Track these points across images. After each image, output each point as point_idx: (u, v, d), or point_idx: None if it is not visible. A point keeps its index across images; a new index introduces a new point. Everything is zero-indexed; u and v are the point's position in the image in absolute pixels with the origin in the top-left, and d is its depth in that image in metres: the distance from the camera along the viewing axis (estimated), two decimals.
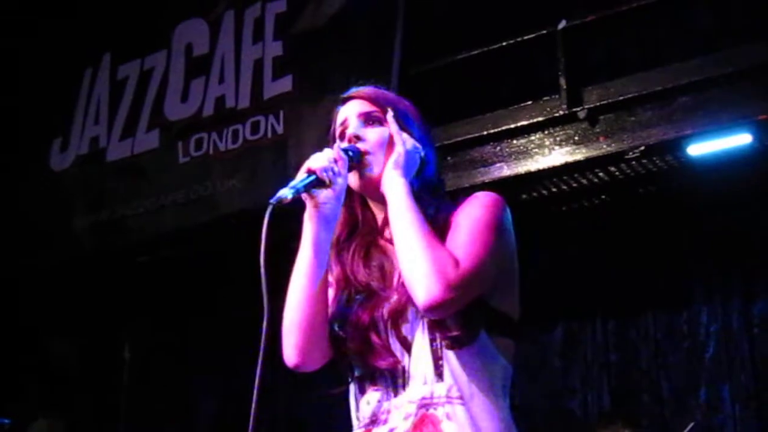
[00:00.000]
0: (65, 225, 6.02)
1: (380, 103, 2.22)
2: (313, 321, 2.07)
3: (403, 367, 2.03)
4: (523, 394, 5.35)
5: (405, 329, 2.03)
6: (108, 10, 6.30)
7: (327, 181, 2.06)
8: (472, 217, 2.02)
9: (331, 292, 2.15)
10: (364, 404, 2.08)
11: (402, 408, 2.02)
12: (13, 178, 6.38)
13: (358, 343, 2.05)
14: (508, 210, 2.11)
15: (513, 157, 4.67)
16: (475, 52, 4.92)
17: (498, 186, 4.70)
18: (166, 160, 5.72)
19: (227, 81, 5.60)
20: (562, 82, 4.56)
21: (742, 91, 4.21)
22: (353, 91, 2.30)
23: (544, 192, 4.90)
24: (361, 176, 2.14)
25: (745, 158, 4.48)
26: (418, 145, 2.16)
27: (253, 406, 1.93)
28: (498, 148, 4.70)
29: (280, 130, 5.27)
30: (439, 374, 2.00)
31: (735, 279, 5.05)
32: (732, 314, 5.01)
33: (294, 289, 2.08)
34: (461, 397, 1.99)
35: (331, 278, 2.16)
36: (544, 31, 4.73)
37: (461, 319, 1.98)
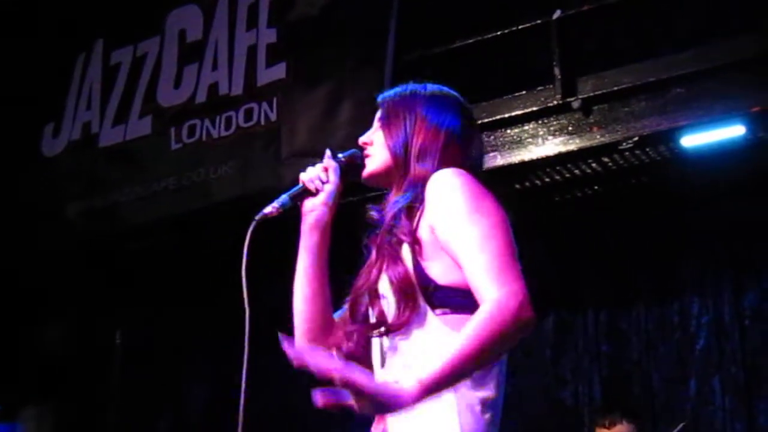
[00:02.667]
0: (57, 211, 6.00)
1: (382, 106, 2.26)
2: (313, 318, 2.18)
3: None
4: (514, 384, 5.35)
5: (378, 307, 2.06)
6: None
7: (313, 190, 2.18)
8: (462, 229, 1.94)
9: None
10: (375, 364, 2.12)
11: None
12: (5, 163, 6.36)
13: (352, 310, 2.12)
14: (472, 178, 2.03)
15: (506, 146, 4.66)
16: (470, 41, 4.91)
17: (491, 175, 4.70)
18: (159, 146, 5.70)
19: (221, 68, 5.58)
20: (557, 72, 4.55)
21: (735, 82, 4.21)
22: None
23: (537, 182, 4.90)
24: (362, 174, 2.24)
25: (738, 150, 4.49)
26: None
27: (241, 405, 1.97)
28: (492, 137, 4.69)
29: (273, 117, 5.25)
30: (383, 361, 2.05)
31: (726, 271, 5.06)
32: (723, 306, 5.02)
33: (296, 293, 2.20)
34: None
35: None
36: (539, 21, 4.72)
37: (400, 306, 1.98)
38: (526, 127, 4.64)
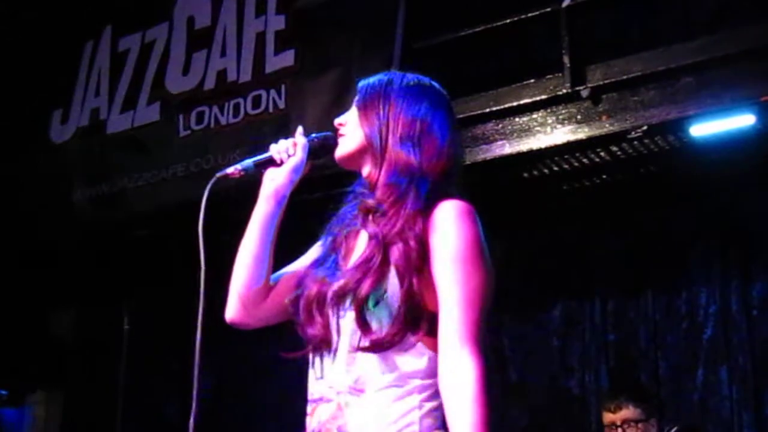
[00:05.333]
0: (65, 197, 6.01)
1: (360, 91, 2.26)
2: (250, 283, 2.21)
3: (330, 350, 2.04)
4: (521, 373, 5.36)
5: (339, 313, 2.03)
6: None
7: (278, 161, 2.22)
8: (460, 275, 1.96)
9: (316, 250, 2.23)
10: (311, 377, 2.10)
11: (325, 392, 2.03)
12: (14, 149, 6.36)
13: (302, 313, 2.10)
14: (478, 223, 2.04)
15: (515, 135, 4.65)
16: (479, 28, 4.90)
17: (500, 164, 4.70)
18: (167, 133, 5.70)
19: (229, 54, 5.57)
20: (566, 60, 4.54)
21: (745, 72, 4.19)
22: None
23: (546, 170, 4.89)
24: (334, 155, 2.24)
25: (747, 139, 4.47)
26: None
27: (195, 372, 2.01)
28: (500, 125, 4.68)
29: (281, 104, 5.25)
30: (351, 364, 2.00)
31: (734, 261, 5.05)
32: (731, 296, 5.01)
33: (239, 255, 2.24)
34: (362, 390, 1.98)
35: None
36: (548, 9, 4.70)
37: (395, 326, 1.96)
38: (534, 116, 4.62)
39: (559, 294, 5.42)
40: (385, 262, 1.98)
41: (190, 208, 5.86)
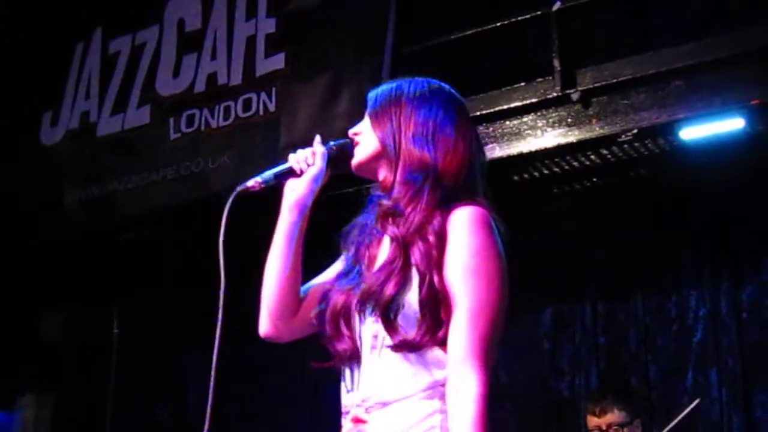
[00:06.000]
0: (56, 200, 5.99)
1: (370, 100, 2.26)
2: (281, 297, 2.19)
3: (359, 361, 2.04)
4: (511, 376, 5.36)
5: (365, 319, 2.03)
6: None
7: (298, 171, 2.21)
8: (470, 283, 1.96)
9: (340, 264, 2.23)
10: (342, 390, 2.10)
11: (354, 405, 2.03)
12: (3, 152, 6.35)
13: (330, 326, 2.08)
14: (492, 229, 2.04)
15: (505, 138, 4.65)
16: (469, 32, 4.90)
17: (490, 167, 4.68)
18: (157, 136, 5.69)
19: (219, 57, 5.56)
20: (556, 63, 4.54)
21: (735, 75, 4.20)
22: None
23: (536, 174, 4.89)
24: (351, 164, 2.24)
25: (737, 143, 4.48)
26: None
27: (212, 383, 2.01)
28: (490, 128, 4.68)
29: (272, 107, 5.25)
30: (375, 370, 2.01)
31: (724, 264, 5.06)
32: (721, 299, 5.02)
33: (267, 268, 2.22)
34: (386, 397, 1.98)
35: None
36: (539, 12, 4.70)
37: (422, 327, 1.96)
38: (525, 119, 4.63)
39: (549, 296, 5.43)
40: (407, 264, 1.99)
41: (181, 210, 5.89)
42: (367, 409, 1.99)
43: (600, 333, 5.31)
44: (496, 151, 4.63)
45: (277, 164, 2.26)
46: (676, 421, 4.32)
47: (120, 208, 5.75)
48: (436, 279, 1.95)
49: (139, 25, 6.02)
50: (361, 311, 2.03)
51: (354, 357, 2.04)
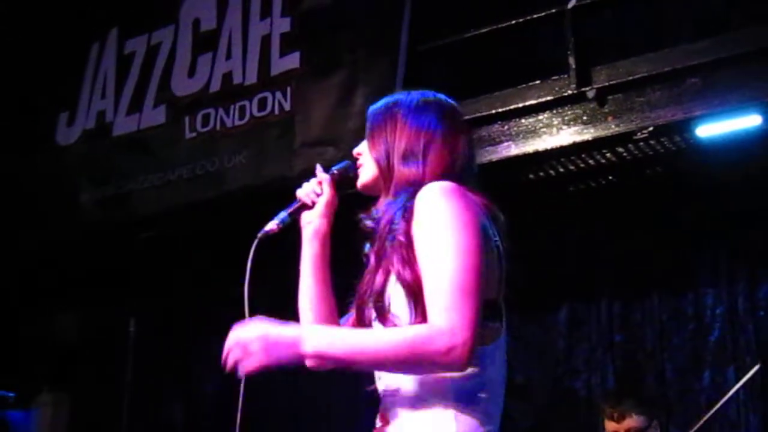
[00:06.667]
0: (72, 199, 6.02)
1: (368, 118, 2.29)
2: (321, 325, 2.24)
3: None
4: (527, 374, 5.35)
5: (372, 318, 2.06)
6: None
7: (309, 203, 2.31)
8: (434, 246, 1.92)
9: None
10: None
11: (381, 394, 2.08)
12: (21, 152, 6.38)
13: (359, 317, 2.12)
14: (460, 195, 1.99)
15: (521, 136, 4.65)
16: (484, 30, 4.90)
17: (505, 165, 4.69)
18: (173, 135, 5.71)
19: (234, 57, 5.58)
20: (571, 61, 4.54)
21: (752, 72, 4.18)
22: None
23: (552, 172, 4.88)
24: (356, 185, 2.30)
25: (754, 140, 4.46)
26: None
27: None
28: (506, 127, 4.68)
29: (287, 106, 5.26)
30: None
31: (741, 262, 5.03)
32: (737, 297, 4.99)
33: (299, 301, 2.31)
34: (397, 388, 2.01)
35: None
36: (554, 10, 4.70)
37: (414, 316, 1.96)
38: (540, 117, 4.62)
39: (564, 295, 5.41)
40: (386, 268, 2.02)
41: (196, 209, 5.90)
42: (388, 400, 2.04)
43: (616, 332, 5.29)
44: (511, 149, 4.63)
45: (288, 205, 2.33)
46: (736, 387, 4.28)
47: (136, 208, 5.77)
48: (408, 274, 1.95)
49: (154, 26, 6.05)
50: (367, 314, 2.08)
51: None
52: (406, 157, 2.14)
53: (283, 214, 2.31)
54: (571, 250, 5.37)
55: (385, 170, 2.17)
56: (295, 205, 2.33)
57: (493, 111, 4.72)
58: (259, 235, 2.26)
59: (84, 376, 7.02)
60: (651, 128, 4.35)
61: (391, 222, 2.04)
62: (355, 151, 2.32)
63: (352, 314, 2.20)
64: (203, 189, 5.47)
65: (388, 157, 2.17)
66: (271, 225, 2.28)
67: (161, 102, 5.83)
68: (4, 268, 6.38)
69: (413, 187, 2.07)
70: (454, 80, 4.99)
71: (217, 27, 5.73)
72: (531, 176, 4.91)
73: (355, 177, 2.30)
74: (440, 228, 1.92)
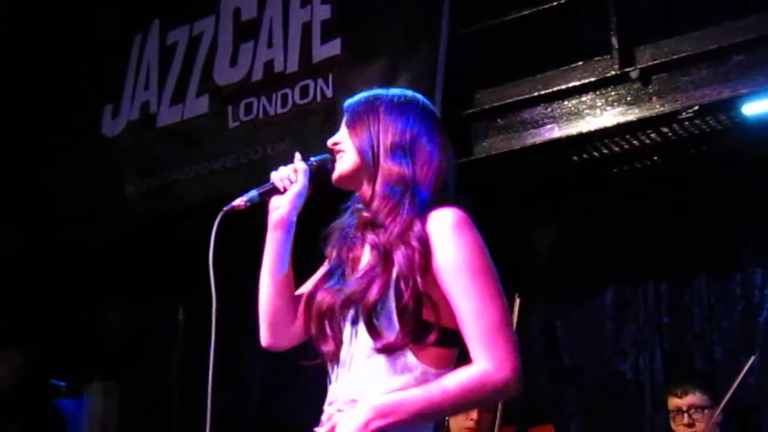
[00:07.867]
0: (117, 191, 6.08)
1: (347, 111, 2.32)
2: (275, 310, 2.31)
3: (340, 360, 2.10)
4: (574, 357, 5.34)
5: (348, 321, 2.08)
6: None
7: (281, 188, 2.30)
8: (469, 290, 1.98)
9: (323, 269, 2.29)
10: (330, 384, 2.16)
11: (339, 400, 2.09)
12: (67, 144, 6.45)
13: (315, 326, 2.16)
14: (476, 229, 2.06)
15: (564, 118, 4.62)
16: (526, 12, 4.87)
17: (549, 147, 4.67)
18: (216, 125, 5.74)
19: (276, 45, 5.60)
20: (614, 41, 4.50)
21: None
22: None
23: (596, 153, 4.84)
24: (332, 178, 2.31)
25: None
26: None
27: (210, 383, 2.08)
28: (549, 109, 4.65)
29: (329, 93, 5.27)
30: (356, 374, 2.07)
31: None
32: None
33: (260, 284, 2.36)
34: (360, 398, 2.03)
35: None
36: None
37: (404, 329, 1.99)
38: (584, 98, 4.59)
39: (611, 277, 5.39)
40: (388, 269, 2.03)
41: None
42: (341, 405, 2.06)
43: (664, 313, 5.25)
44: (555, 132, 4.61)
45: (260, 185, 2.35)
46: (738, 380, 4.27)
47: (181, 198, 5.81)
48: (419, 281, 2.00)
49: (195, 16, 6.07)
50: (346, 315, 2.09)
51: (335, 357, 2.11)
52: (392, 152, 2.16)
53: (253, 193, 2.33)
54: (616, 231, 5.33)
55: (369, 161, 2.18)
56: (267, 186, 2.34)
57: (536, 93, 4.70)
58: (225, 208, 2.29)
59: (134, 365, 7.10)
60: (696, 107, 4.30)
61: (408, 224, 2.05)
62: (332, 140, 2.31)
63: (306, 293, 2.24)
64: (247, 178, 5.49)
65: (372, 147, 2.18)
66: (239, 201, 2.30)
67: (204, 92, 5.87)
68: (55, 262, 6.46)
69: (404, 186, 2.10)
70: (497, 63, 4.97)
71: (257, 16, 5.74)
72: (575, 158, 4.88)
73: (333, 171, 2.29)
74: (472, 272, 1.99)
